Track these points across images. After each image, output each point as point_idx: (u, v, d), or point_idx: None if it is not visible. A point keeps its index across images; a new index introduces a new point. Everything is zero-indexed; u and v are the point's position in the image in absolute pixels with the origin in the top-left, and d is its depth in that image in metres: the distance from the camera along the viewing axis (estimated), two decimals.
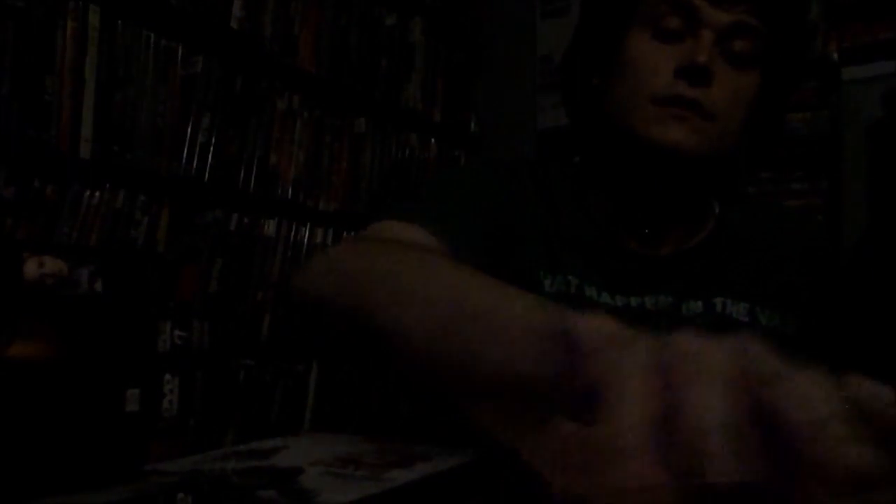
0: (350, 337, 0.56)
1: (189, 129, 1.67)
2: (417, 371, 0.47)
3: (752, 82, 0.74)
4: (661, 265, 0.79)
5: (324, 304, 0.58)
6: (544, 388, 0.35)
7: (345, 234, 2.08)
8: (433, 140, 2.40)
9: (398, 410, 1.96)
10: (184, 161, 1.65)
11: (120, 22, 1.53)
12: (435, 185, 0.89)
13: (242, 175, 1.80)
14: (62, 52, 1.42)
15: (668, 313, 0.77)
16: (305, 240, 1.96)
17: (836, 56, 2.13)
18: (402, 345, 0.46)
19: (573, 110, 0.84)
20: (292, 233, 1.92)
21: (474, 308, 0.43)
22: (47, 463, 0.49)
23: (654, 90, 0.73)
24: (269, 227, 1.86)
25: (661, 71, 0.73)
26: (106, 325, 0.58)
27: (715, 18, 0.72)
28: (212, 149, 1.71)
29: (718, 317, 0.77)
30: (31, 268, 0.52)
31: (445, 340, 0.42)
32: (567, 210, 0.83)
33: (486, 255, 0.73)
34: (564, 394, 0.33)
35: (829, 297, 0.81)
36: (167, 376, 1.31)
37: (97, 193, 1.48)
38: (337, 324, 0.57)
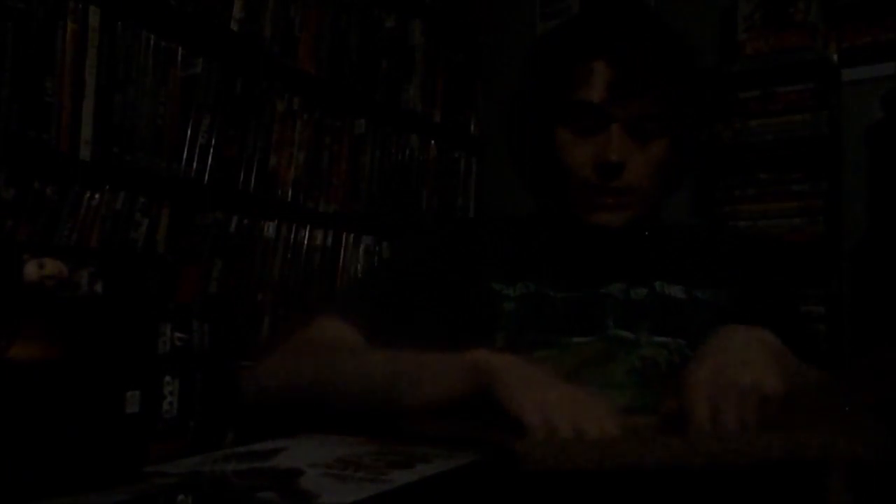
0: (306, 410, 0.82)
1: (189, 131, 1.67)
2: (375, 409, 0.73)
3: (662, 148, 0.87)
4: (610, 265, 0.92)
5: (282, 393, 0.87)
6: (466, 397, 0.68)
7: (344, 234, 2.08)
8: (433, 141, 2.40)
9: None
10: (184, 162, 1.65)
11: (120, 23, 1.53)
12: (371, 278, 1.09)
13: (242, 176, 1.80)
14: (62, 54, 1.42)
15: (620, 299, 0.89)
16: (305, 241, 1.96)
17: (835, 57, 2.13)
18: (360, 398, 0.76)
19: (520, 175, 0.97)
20: (292, 234, 1.92)
21: (407, 364, 0.74)
22: (47, 464, 0.49)
23: (579, 180, 0.86)
24: (269, 228, 1.86)
25: (583, 164, 0.86)
26: (106, 326, 0.58)
27: (621, 115, 0.84)
28: (212, 150, 1.71)
29: (660, 296, 0.89)
30: (31, 269, 0.52)
31: (393, 388, 0.73)
32: (521, 239, 0.97)
33: (423, 310, 0.90)
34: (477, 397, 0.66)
35: (756, 277, 0.93)
36: (167, 378, 1.31)
37: (97, 195, 1.48)
38: (292, 403, 0.85)
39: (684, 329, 0.87)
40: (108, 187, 1.50)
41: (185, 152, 1.66)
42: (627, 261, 0.91)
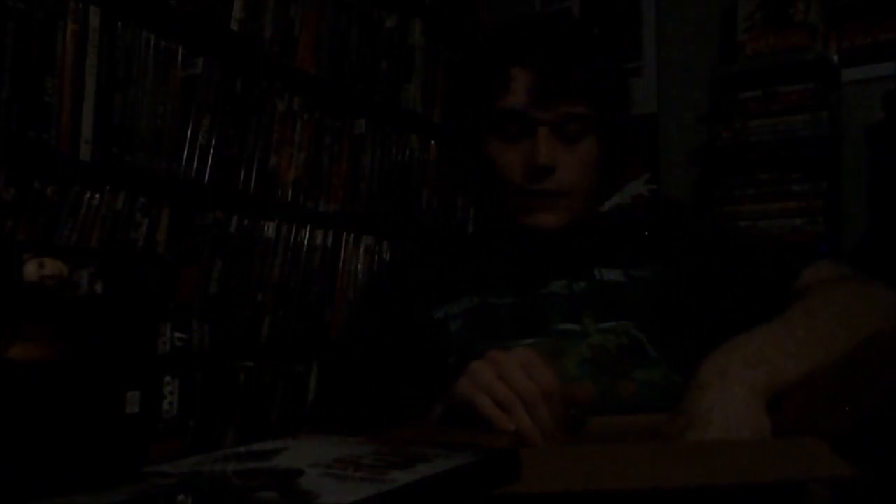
0: None
1: (189, 131, 1.67)
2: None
3: (590, 147, 0.89)
4: (550, 264, 0.94)
5: None
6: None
7: (344, 234, 2.08)
8: (433, 141, 2.40)
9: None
10: (184, 162, 1.65)
11: (120, 23, 1.53)
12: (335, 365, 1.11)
13: (242, 176, 1.80)
14: (62, 54, 1.42)
15: (564, 295, 0.91)
16: (305, 241, 1.96)
17: (835, 58, 2.14)
18: None
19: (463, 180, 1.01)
20: (292, 234, 1.92)
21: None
22: (47, 464, 0.49)
23: (511, 185, 0.89)
24: (269, 228, 1.86)
25: (513, 169, 0.88)
26: (106, 326, 0.58)
27: (545, 118, 0.86)
28: (212, 150, 1.71)
29: (600, 284, 0.91)
30: (31, 269, 0.52)
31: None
32: (464, 255, 1.00)
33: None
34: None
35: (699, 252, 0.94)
36: (167, 378, 1.31)
37: (97, 195, 1.48)
38: None
39: (627, 311, 0.88)
40: (108, 187, 1.50)
41: (185, 152, 1.66)
42: (567, 257, 0.93)
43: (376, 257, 2.17)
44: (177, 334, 1.30)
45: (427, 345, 0.92)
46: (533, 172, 0.87)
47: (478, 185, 0.97)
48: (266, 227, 1.86)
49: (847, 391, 0.71)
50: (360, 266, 2.11)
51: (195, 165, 1.67)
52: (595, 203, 0.96)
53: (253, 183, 1.81)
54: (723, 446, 0.63)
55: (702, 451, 0.62)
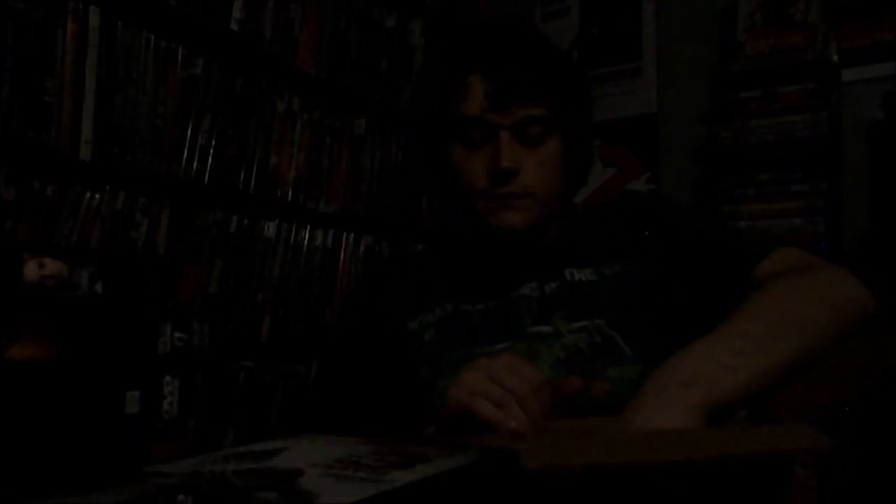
0: None
1: (189, 131, 1.67)
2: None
3: (553, 149, 0.90)
4: (521, 268, 0.95)
5: None
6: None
7: (344, 234, 2.08)
8: None
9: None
10: (184, 162, 1.65)
11: (120, 23, 1.53)
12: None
13: (242, 176, 1.80)
14: (62, 54, 1.42)
15: (535, 297, 0.91)
16: (305, 241, 1.96)
17: (835, 57, 2.13)
18: None
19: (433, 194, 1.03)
20: (292, 234, 1.92)
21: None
22: (47, 464, 0.50)
23: (477, 190, 0.90)
24: (269, 228, 1.86)
25: (478, 175, 0.89)
26: (106, 326, 0.58)
27: (505, 122, 0.87)
28: (212, 150, 1.71)
29: (570, 284, 0.92)
30: (31, 269, 0.52)
31: None
32: (437, 264, 1.02)
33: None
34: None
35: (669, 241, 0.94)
36: (167, 378, 1.31)
37: (97, 195, 1.48)
38: None
39: (598, 309, 0.88)
40: (108, 187, 1.50)
41: (185, 152, 1.66)
42: (537, 259, 0.94)
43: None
44: (177, 334, 1.30)
45: (401, 356, 0.93)
46: (496, 176, 0.88)
47: (443, 190, 0.98)
48: (266, 227, 1.85)
49: (824, 386, 0.71)
50: (360, 266, 2.11)
51: (195, 165, 1.67)
52: (561, 202, 0.97)
53: (253, 183, 1.81)
54: (704, 430, 0.64)
55: (682, 433, 0.63)
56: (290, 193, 1.91)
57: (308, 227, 1.97)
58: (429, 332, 0.93)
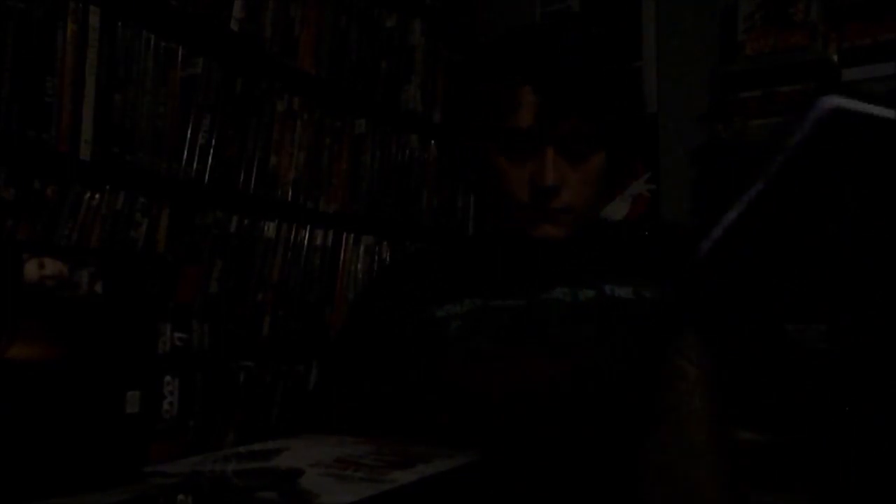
0: None
1: (189, 131, 1.67)
2: None
3: (595, 164, 0.88)
4: (553, 270, 0.92)
5: None
6: None
7: (344, 234, 2.08)
8: (433, 141, 2.40)
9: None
10: (184, 162, 1.65)
11: (120, 23, 1.53)
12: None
13: (242, 176, 1.80)
14: (62, 54, 1.42)
15: (567, 301, 0.90)
16: (305, 241, 1.96)
17: (835, 57, 2.13)
18: None
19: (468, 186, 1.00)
20: (292, 234, 1.92)
21: None
22: (47, 464, 0.49)
23: (518, 202, 0.88)
24: (269, 228, 1.86)
25: (520, 186, 0.88)
26: (106, 326, 0.58)
27: (552, 138, 0.86)
28: (212, 150, 1.71)
29: (609, 298, 0.89)
30: (31, 269, 0.52)
31: None
32: (469, 256, 1.01)
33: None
34: None
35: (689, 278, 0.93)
36: (167, 378, 1.31)
37: (97, 195, 1.48)
38: None
39: (630, 330, 0.87)
40: (108, 187, 1.50)
41: (186, 152, 1.66)
42: (572, 264, 0.92)
43: (376, 257, 2.17)
44: (177, 334, 1.30)
45: (422, 341, 0.92)
46: (539, 192, 0.86)
47: (483, 195, 0.97)
48: (266, 227, 1.85)
49: None
50: (360, 266, 2.11)
51: (195, 165, 1.67)
52: (597, 210, 0.96)
53: (253, 183, 1.81)
54: None
55: None
56: (290, 193, 1.91)
57: (308, 227, 1.97)
58: (454, 322, 0.92)
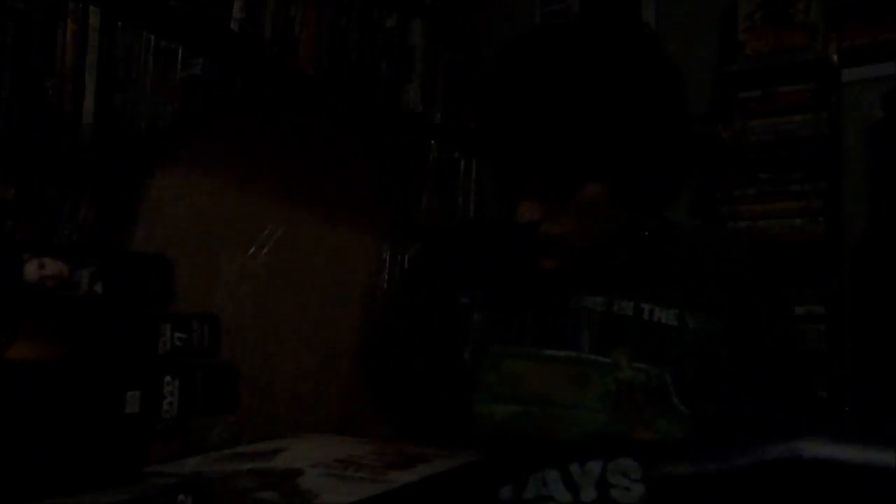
0: None
1: None
2: None
3: (589, 194, 0.79)
4: (587, 278, 0.86)
5: None
6: None
7: None
8: (433, 141, 2.40)
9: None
10: None
11: (120, 23, 1.53)
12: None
13: None
14: (62, 54, 1.42)
15: (600, 311, 0.84)
16: None
17: (835, 58, 2.13)
18: None
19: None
20: None
21: None
22: (46, 465, 0.50)
23: (514, 234, 0.82)
24: None
25: (514, 218, 0.80)
26: (106, 326, 0.58)
27: (527, 172, 0.79)
28: None
29: (646, 323, 0.83)
30: (31, 269, 0.52)
31: None
32: (498, 245, 0.92)
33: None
34: None
35: (748, 304, 0.87)
36: (167, 378, 1.31)
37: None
38: None
39: (668, 360, 0.82)
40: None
41: None
42: (607, 274, 0.86)
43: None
44: (177, 334, 1.29)
45: (445, 327, 0.89)
46: (523, 227, 0.80)
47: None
48: None
49: None
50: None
51: None
52: (627, 227, 0.86)
53: None
54: None
55: None
56: None
57: None
58: (478, 313, 0.88)
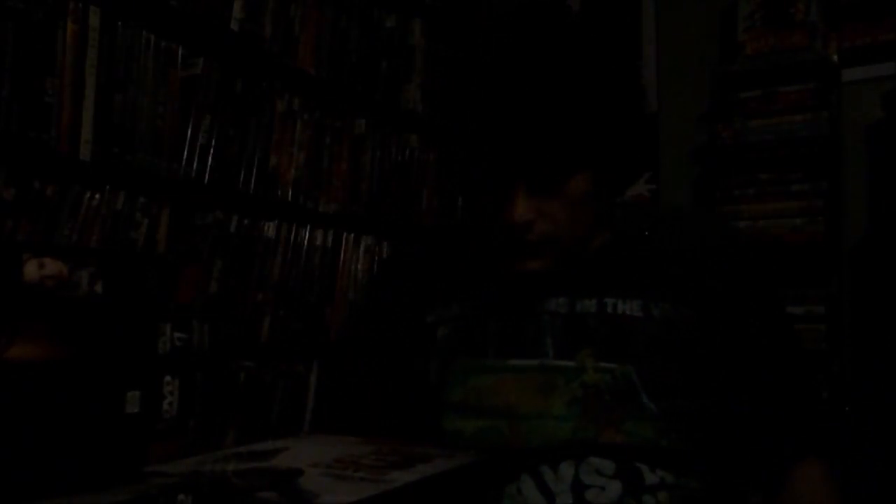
0: None
1: (189, 131, 1.67)
2: None
3: (575, 188, 0.79)
4: (550, 279, 0.84)
5: None
6: None
7: (344, 234, 2.08)
8: (433, 141, 2.40)
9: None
10: (184, 162, 1.65)
11: (120, 23, 1.53)
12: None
13: (242, 176, 1.80)
14: (62, 54, 1.42)
15: (563, 314, 0.83)
16: (305, 241, 1.96)
17: (835, 57, 2.14)
18: None
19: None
20: (292, 234, 1.92)
21: None
22: (47, 464, 0.49)
23: (498, 236, 0.82)
24: (269, 228, 1.86)
25: (499, 221, 0.80)
26: (106, 326, 0.58)
27: (518, 168, 0.78)
28: (212, 150, 1.71)
29: (610, 317, 0.82)
30: (31, 269, 0.52)
31: None
32: (461, 257, 0.93)
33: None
34: None
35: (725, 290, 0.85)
36: (167, 378, 1.31)
37: (97, 195, 1.48)
38: None
39: (634, 353, 0.80)
40: (108, 187, 1.50)
41: (185, 152, 1.66)
42: (571, 273, 0.84)
43: (376, 257, 2.17)
44: (177, 334, 1.30)
45: (411, 345, 0.89)
46: (512, 228, 0.79)
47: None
48: (266, 227, 1.85)
49: None
50: (359, 266, 2.11)
51: (195, 165, 1.67)
52: (591, 230, 0.86)
53: (253, 183, 1.81)
54: None
55: None
56: (290, 193, 1.91)
57: (308, 227, 1.96)
58: (443, 328, 0.88)
